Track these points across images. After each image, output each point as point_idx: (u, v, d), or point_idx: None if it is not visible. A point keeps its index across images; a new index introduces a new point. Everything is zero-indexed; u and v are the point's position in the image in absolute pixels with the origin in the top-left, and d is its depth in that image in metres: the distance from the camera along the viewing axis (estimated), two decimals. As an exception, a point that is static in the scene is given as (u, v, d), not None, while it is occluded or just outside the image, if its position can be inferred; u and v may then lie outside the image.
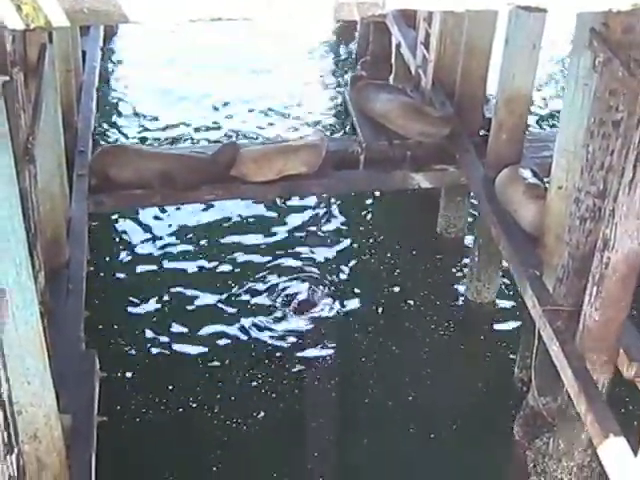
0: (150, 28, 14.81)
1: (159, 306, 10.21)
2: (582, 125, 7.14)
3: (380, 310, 10.35)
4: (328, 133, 13.37)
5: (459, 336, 10.01)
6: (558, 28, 11.98)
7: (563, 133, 7.80)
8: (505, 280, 10.45)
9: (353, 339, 9.91)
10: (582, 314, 7.11)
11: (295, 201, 11.90)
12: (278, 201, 11.82)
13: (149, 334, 9.80)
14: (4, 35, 5.45)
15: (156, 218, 11.67)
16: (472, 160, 10.12)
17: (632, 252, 6.51)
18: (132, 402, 8.91)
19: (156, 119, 14.08)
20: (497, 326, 10.22)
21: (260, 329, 9.95)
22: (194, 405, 8.94)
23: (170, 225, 11.59)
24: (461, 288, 10.63)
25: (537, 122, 14.04)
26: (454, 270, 11.08)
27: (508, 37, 9.06)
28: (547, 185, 8.58)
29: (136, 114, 14.29)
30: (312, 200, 12.01)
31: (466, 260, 10.77)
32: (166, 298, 10.30)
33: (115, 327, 9.84)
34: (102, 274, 10.41)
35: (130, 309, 10.13)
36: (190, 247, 11.21)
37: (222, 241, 11.31)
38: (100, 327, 9.55)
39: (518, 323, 9.66)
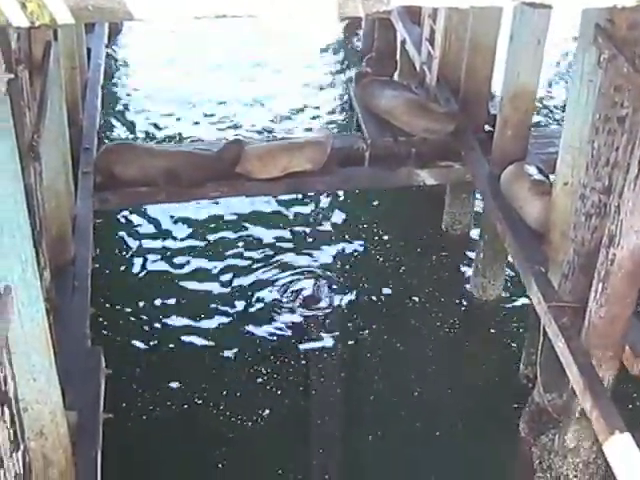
0: (153, 26, 14.85)
1: (164, 303, 10.21)
2: (587, 121, 7.14)
3: (385, 306, 10.35)
4: (333, 130, 13.37)
5: (464, 332, 10.01)
6: (563, 25, 11.93)
7: (568, 129, 7.79)
8: (511, 276, 10.44)
9: (358, 335, 9.91)
10: (587, 310, 7.12)
11: (300, 198, 11.91)
12: (283, 198, 11.82)
13: (155, 331, 9.81)
14: (9, 33, 5.46)
15: (161, 215, 11.67)
16: (477, 157, 10.11)
17: (638, 248, 6.50)
18: (138, 399, 8.91)
19: (161, 116, 14.07)
20: (502, 322, 10.20)
21: (266, 325, 9.96)
22: (199, 402, 8.95)
23: (175, 222, 11.59)
24: (466, 285, 10.63)
25: (541, 117, 14.02)
26: (459, 267, 11.08)
27: (513, 33, 9.05)
28: (552, 181, 8.58)
29: (141, 111, 14.28)
30: (317, 197, 12.01)
31: (471, 257, 10.75)
32: (171, 295, 10.31)
33: (121, 324, 9.85)
34: (107, 271, 10.43)
35: (136, 306, 10.15)
36: (195, 244, 11.22)
37: (227, 238, 11.32)
38: (106, 324, 9.59)
39: (523, 319, 9.65)
